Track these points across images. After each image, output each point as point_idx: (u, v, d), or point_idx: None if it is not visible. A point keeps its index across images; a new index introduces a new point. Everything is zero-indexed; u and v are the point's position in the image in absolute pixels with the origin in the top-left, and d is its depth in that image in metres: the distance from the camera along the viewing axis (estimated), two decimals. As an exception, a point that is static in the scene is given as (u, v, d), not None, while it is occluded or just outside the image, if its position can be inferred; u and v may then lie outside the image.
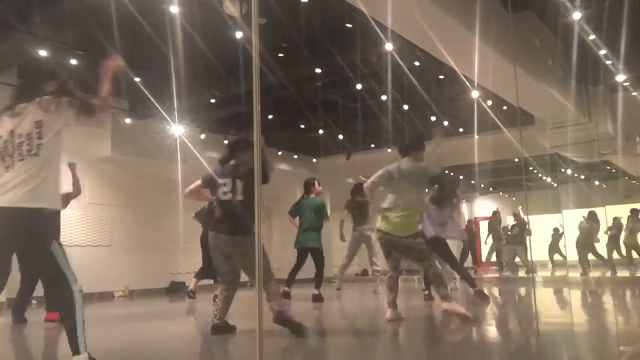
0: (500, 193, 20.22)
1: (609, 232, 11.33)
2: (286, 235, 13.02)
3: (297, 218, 7.14)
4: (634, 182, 13.94)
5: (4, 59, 7.24)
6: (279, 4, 5.86)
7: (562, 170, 13.85)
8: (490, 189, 19.90)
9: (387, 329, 4.35)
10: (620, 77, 8.45)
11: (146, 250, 9.63)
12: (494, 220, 12.63)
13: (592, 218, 11.05)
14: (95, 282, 8.78)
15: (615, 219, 11.66)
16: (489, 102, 8.93)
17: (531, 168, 13.84)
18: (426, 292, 6.42)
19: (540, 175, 15.02)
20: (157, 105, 7.93)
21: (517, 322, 4.97)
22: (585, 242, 10.96)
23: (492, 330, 4.49)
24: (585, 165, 12.84)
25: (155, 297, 9.00)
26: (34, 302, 7.61)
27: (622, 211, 12.94)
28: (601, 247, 11.16)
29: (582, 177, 14.73)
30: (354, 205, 7.84)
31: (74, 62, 7.16)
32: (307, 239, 6.89)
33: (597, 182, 14.56)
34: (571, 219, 12.25)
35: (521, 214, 11.71)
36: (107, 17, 5.85)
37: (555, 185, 16.02)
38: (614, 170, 13.48)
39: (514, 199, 19.80)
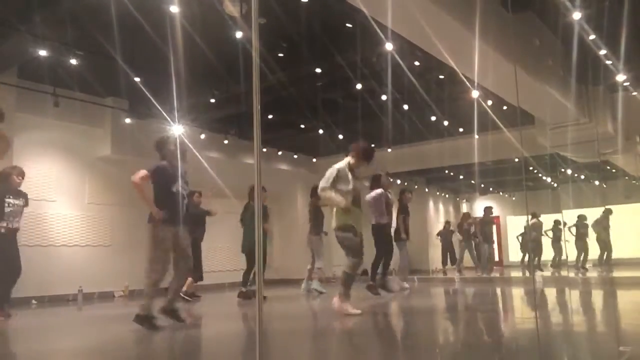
0: (500, 193, 20.21)
1: (572, 230, 12.24)
2: (286, 236, 13.06)
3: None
4: (634, 182, 13.95)
5: (4, 59, 7.23)
6: (279, 4, 5.86)
7: (562, 170, 13.85)
8: (490, 189, 19.90)
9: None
10: (620, 77, 8.44)
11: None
12: (463, 221, 13.02)
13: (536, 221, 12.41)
14: (96, 282, 8.79)
15: (579, 216, 12.14)
16: (489, 102, 8.93)
17: (531, 168, 13.85)
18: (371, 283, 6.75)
19: (540, 175, 15.02)
20: (157, 105, 7.93)
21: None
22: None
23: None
24: (586, 165, 12.86)
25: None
26: (34, 301, 7.64)
27: (622, 210, 13.07)
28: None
29: (582, 177, 14.73)
30: (314, 208, 8.13)
31: (73, 61, 7.16)
32: (253, 243, 6.99)
33: (597, 182, 14.57)
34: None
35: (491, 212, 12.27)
36: (107, 17, 5.85)
37: (555, 185, 16.02)
38: (614, 170, 13.49)
39: (514, 198, 19.80)
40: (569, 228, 12.34)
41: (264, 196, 7.31)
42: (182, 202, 4.60)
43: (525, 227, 13.86)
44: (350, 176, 5.06)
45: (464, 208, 21.09)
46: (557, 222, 12.69)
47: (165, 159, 4.72)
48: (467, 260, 12.95)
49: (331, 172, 5.08)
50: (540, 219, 12.75)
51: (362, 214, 5.23)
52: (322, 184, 5.05)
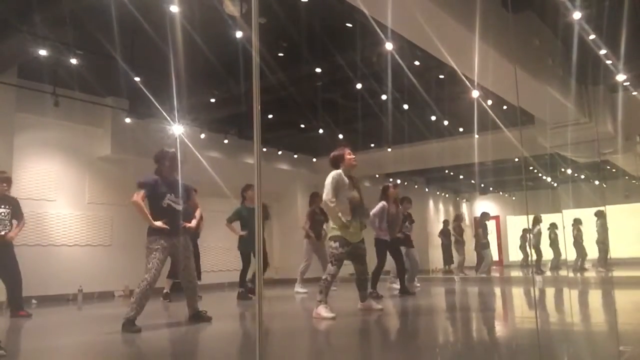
0: (500, 193, 20.22)
1: (575, 232, 12.40)
2: (287, 235, 13.06)
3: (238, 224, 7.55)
4: (634, 181, 13.96)
5: (4, 59, 7.23)
6: (279, 4, 5.86)
7: (562, 170, 13.87)
8: (490, 189, 19.92)
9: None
10: (620, 77, 8.43)
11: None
12: (458, 222, 13.12)
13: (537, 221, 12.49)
14: (96, 281, 8.80)
15: (575, 220, 12.19)
16: (489, 102, 8.93)
17: (531, 168, 13.86)
18: (373, 293, 6.61)
19: (540, 174, 15.04)
20: (157, 105, 7.93)
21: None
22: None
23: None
24: (586, 165, 12.87)
25: (156, 297, 8.98)
26: (34, 301, 7.64)
27: (622, 210, 13.09)
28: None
29: (582, 176, 14.74)
30: (313, 214, 8.22)
31: (73, 61, 7.16)
32: (251, 243, 7.16)
33: (597, 182, 14.58)
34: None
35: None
36: (107, 17, 5.86)
37: (555, 185, 16.04)
38: (614, 170, 13.50)
39: (514, 198, 19.82)
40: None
41: (251, 195, 7.36)
42: (174, 216, 4.62)
43: (524, 230, 13.91)
44: (347, 184, 5.05)
45: (464, 208, 21.12)
46: (553, 225, 12.70)
47: (161, 173, 4.74)
48: (469, 260, 12.96)
49: (330, 180, 5.00)
50: (541, 225, 12.72)
51: (361, 226, 5.17)
52: (327, 195, 4.95)
